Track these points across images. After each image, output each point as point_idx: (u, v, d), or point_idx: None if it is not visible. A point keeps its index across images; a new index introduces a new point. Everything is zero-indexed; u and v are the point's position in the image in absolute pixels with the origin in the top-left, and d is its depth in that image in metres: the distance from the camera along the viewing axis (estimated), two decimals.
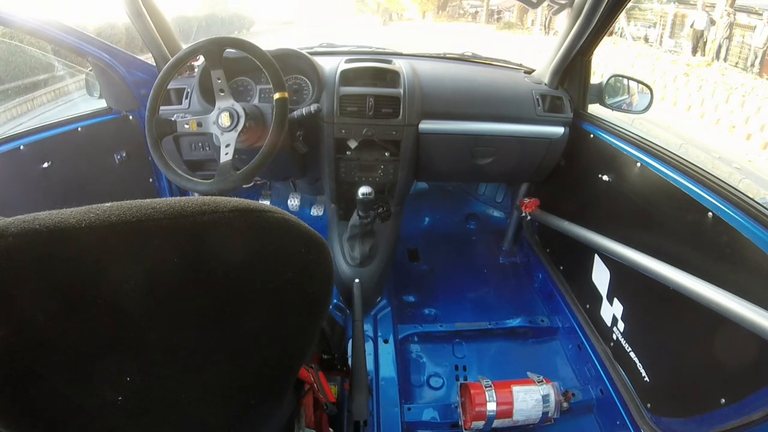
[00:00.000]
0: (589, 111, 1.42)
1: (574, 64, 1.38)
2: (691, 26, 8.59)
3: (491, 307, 1.61)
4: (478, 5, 19.04)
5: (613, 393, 1.15)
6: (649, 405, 1.03)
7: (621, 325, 1.14)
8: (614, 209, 1.21)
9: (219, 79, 1.10)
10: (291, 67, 1.37)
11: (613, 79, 1.43)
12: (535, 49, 8.65)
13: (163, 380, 0.36)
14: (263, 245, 0.35)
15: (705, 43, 8.46)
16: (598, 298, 1.25)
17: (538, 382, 1.16)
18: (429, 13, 21.47)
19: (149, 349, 0.33)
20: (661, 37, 9.97)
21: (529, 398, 1.13)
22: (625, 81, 1.43)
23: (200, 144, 1.43)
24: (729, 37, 7.91)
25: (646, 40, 10.11)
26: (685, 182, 0.94)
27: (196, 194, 1.16)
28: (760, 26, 7.58)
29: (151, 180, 1.58)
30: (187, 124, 1.12)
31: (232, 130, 1.09)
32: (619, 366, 1.16)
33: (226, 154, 1.08)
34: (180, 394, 0.38)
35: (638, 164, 1.09)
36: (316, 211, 2.05)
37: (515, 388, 1.14)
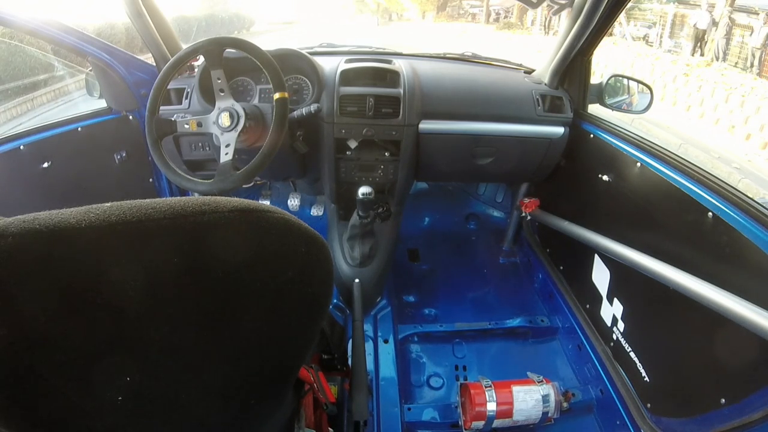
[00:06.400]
0: (589, 111, 1.42)
1: (574, 64, 1.38)
2: (694, 26, 8.59)
3: (491, 307, 1.61)
4: (477, 5, 19.03)
5: (613, 393, 1.15)
6: (649, 405, 1.03)
7: (621, 325, 1.14)
8: (614, 209, 1.21)
9: (219, 79, 1.10)
10: (291, 67, 1.37)
11: (613, 79, 1.43)
12: (535, 49, 8.65)
13: (163, 380, 0.36)
14: (263, 245, 0.35)
15: (705, 43, 8.47)
16: (598, 298, 1.25)
17: (538, 382, 1.16)
18: (429, 13, 21.47)
19: (149, 349, 0.33)
20: (661, 37, 9.97)
21: (529, 398, 1.13)
22: (625, 81, 1.43)
23: (200, 144, 1.43)
24: (728, 38, 7.92)
25: (646, 40, 10.11)
26: (685, 182, 0.94)
27: (196, 194, 1.16)
28: (757, 26, 7.58)
29: (151, 180, 1.58)
30: (187, 124, 1.12)
31: (232, 130, 1.09)
32: (619, 366, 1.16)
33: (226, 154, 1.08)
34: (180, 394, 0.38)
35: (638, 164, 1.09)
36: (316, 211, 2.05)
37: (515, 388, 1.14)
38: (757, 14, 7.82)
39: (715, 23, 8.27)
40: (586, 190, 1.36)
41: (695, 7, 8.96)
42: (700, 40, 8.55)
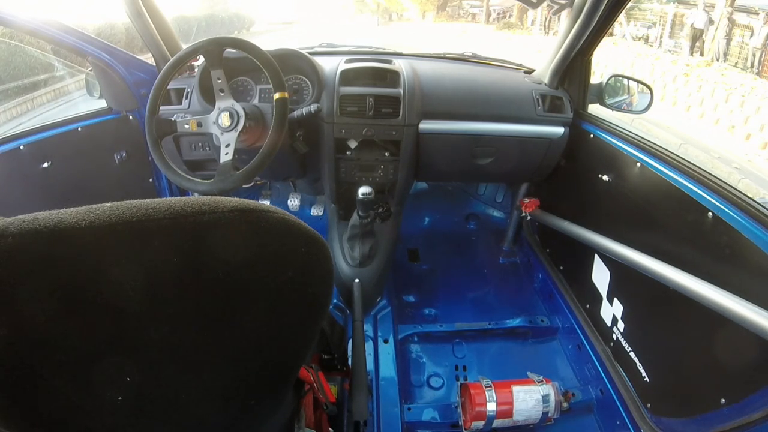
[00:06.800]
0: (589, 111, 1.42)
1: (574, 64, 1.38)
2: (691, 25, 8.60)
3: (491, 307, 1.61)
4: (477, 5, 19.04)
5: (613, 393, 1.15)
6: (649, 405, 1.03)
7: (621, 325, 1.14)
8: (614, 209, 1.21)
9: (219, 79, 1.10)
10: (291, 67, 1.37)
11: (613, 79, 1.43)
12: (535, 49, 8.65)
13: (163, 380, 0.36)
14: (263, 245, 0.35)
15: (703, 43, 8.47)
16: (598, 298, 1.25)
17: (538, 382, 1.16)
18: (429, 13, 21.47)
19: (149, 349, 0.33)
20: (661, 37, 9.98)
21: (529, 398, 1.13)
22: (625, 81, 1.43)
23: (200, 144, 1.43)
24: (728, 38, 7.92)
25: (646, 40, 10.11)
26: (685, 182, 0.94)
27: (196, 194, 1.16)
28: (757, 26, 7.58)
29: (151, 180, 1.58)
30: (187, 124, 1.12)
31: (232, 130, 1.09)
32: (619, 366, 1.16)
33: (226, 154, 1.08)
34: (180, 394, 0.38)
35: (638, 164, 1.09)
36: (316, 211, 2.05)
37: (515, 388, 1.14)
38: (757, 14, 7.82)
39: (712, 22, 8.27)
40: (586, 190, 1.36)
41: (694, 7, 8.96)
42: (697, 39, 8.55)
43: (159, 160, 1.10)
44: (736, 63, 7.82)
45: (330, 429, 0.78)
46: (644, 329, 1.08)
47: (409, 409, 1.18)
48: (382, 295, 1.46)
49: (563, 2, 1.27)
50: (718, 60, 7.70)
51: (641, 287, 1.03)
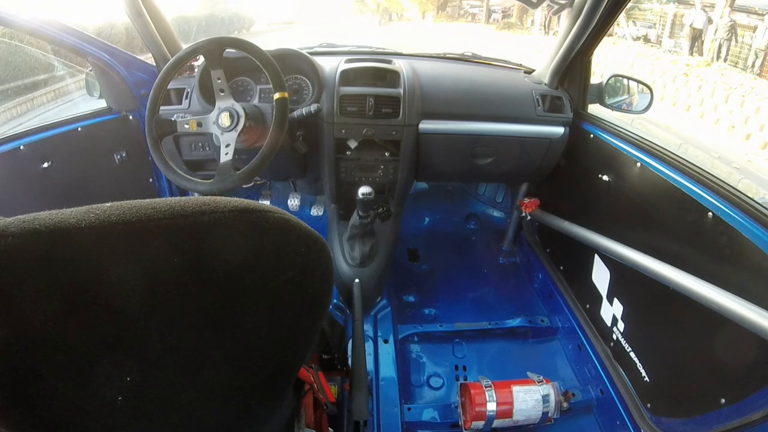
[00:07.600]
0: (589, 111, 1.42)
1: (574, 64, 1.38)
2: (690, 25, 8.60)
3: (491, 307, 1.61)
4: (477, 5, 19.05)
5: (613, 393, 1.15)
6: (649, 405, 1.03)
7: (621, 325, 1.14)
8: (614, 209, 1.21)
9: (219, 79, 1.10)
10: (291, 67, 1.37)
11: (613, 79, 1.43)
12: (535, 49, 8.66)
13: (163, 380, 0.36)
14: (263, 245, 0.35)
15: (702, 42, 8.48)
16: (598, 298, 1.25)
17: (538, 382, 1.16)
18: (429, 13, 21.48)
19: (149, 349, 0.33)
20: (661, 37, 9.98)
21: (529, 398, 1.13)
22: (625, 81, 1.43)
23: (200, 144, 1.43)
24: (729, 39, 7.92)
25: (647, 40, 10.12)
26: (685, 182, 0.94)
27: (196, 194, 1.16)
28: (761, 27, 7.58)
29: (151, 180, 1.58)
30: (187, 124, 1.12)
31: (232, 130, 1.09)
32: (619, 366, 1.16)
33: (226, 154, 1.08)
34: (180, 394, 0.38)
35: (638, 164, 1.09)
36: (316, 211, 2.05)
37: (515, 388, 1.14)
38: (761, 15, 7.81)
39: (711, 21, 8.27)
40: (586, 190, 1.36)
41: (693, 6, 8.97)
42: (696, 39, 8.55)
43: (159, 160, 1.10)
44: (736, 63, 7.82)
45: (330, 429, 0.78)
46: (644, 329, 1.08)
47: (409, 409, 1.18)
48: (382, 295, 1.46)
49: (563, 2, 1.27)
50: (717, 60, 7.70)
51: (641, 287, 1.03)
